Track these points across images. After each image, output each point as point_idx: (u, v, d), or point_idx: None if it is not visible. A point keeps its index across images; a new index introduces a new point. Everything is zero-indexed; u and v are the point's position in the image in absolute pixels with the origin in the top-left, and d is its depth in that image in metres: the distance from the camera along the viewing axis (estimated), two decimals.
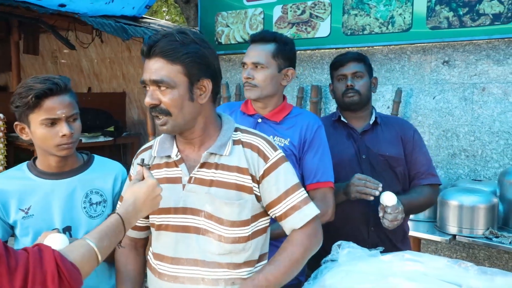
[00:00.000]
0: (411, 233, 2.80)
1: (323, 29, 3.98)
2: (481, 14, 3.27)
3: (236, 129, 1.42)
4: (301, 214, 1.38)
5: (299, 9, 4.09)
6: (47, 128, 1.50)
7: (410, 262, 1.38)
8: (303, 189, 1.43)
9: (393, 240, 2.03)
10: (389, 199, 1.79)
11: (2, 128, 4.31)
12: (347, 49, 3.95)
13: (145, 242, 1.55)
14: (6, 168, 4.51)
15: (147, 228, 1.49)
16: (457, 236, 2.74)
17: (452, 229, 2.75)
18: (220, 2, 4.60)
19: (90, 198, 1.64)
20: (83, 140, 4.79)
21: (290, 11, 4.14)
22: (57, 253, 0.97)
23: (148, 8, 5.47)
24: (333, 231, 1.76)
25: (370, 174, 1.91)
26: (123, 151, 5.51)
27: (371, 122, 2.09)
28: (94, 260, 1.07)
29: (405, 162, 2.05)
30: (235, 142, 1.39)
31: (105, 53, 5.99)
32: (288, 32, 4.14)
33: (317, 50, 4.15)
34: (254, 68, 1.83)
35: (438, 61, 3.62)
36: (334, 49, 4.03)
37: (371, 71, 2.15)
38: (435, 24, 3.46)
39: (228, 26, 4.56)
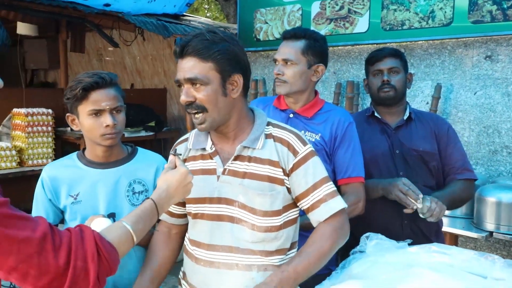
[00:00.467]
0: (448, 229, 2.80)
1: (361, 25, 3.98)
2: None
3: (268, 124, 1.48)
4: (327, 207, 1.42)
5: (337, 4, 4.11)
6: (93, 118, 1.63)
7: (437, 254, 1.41)
8: (331, 182, 1.47)
9: (427, 234, 2.04)
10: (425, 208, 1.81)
11: (51, 123, 4.55)
12: (385, 44, 3.94)
13: (180, 230, 1.62)
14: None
15: (183, 216, 1.58)
16: (494, 233, 2.71)
17: (490, 226, 2.73)
18: None
19: (133, 188, 1.74)
20: (126, 135, 4.98)
21: (329, 7, 4.16)
22: (96, 233, 1.06)
23: (188, 6, 5.62)
24: (366, 224, 1.80)
25: (404, 169, 1.94)
26: (163, 146, 5.68)
27: (405, 117, 2.11)
28: (130, 241, 1.15)
29: (439, 158, 2.05)
30: (267, 136, 1.45)
31: (147, 50, 6.19)
32: (326, 28, 4.16)
33: (355, 46, 4.15)
34: (284, 64, 1.89)
35: (480, 56, 3.56)
36: (372, 45, 4.02)
37: (407, 67, 2.17)
38: (477, 18, 3.41)
39: (266, 23, 4.63)
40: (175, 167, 1.36)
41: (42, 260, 0.95)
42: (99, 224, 1.43)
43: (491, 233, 2.71)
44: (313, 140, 1.87)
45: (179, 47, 1.36)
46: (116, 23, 4.46)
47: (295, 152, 1.43)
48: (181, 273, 1.60)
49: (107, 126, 1.63)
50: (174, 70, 5.90)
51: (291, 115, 1.93)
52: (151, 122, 5.35)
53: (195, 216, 1.48)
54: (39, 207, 1.72)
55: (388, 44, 3.91)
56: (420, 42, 3.79)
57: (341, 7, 4.09)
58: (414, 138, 2.05)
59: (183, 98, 1.37)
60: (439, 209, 1.81)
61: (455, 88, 3.69)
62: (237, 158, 1.43)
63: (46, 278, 0.96)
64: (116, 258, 1.08)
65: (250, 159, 1.42)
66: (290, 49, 1.89)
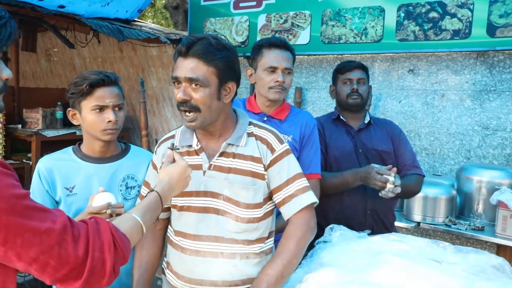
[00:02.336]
0: None
1: (303, 37, 4.05)
2: (443, 29, 3.41)
3: (250, 123, 1.48)
4: (297, 201, 1.42)
5: (282, 18, 4.15)
6: (96, 114, 1.57)
7: (396, 242, 1.46)
8: (304, 178, 1.47)
9: (386, 224, 2.13)
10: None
11: (1, 120, 4.19)
12: (324, 56, 4.04)
13: (163, 225, 1.57)
14: (4, 157, 4.39)
15: (167, 209, 1.52)
16: (421, 224, 2.87)
17: (417, 217, 2.88)
18: (208, 9, 4.61)
19: (127, 182, 1.69)
20: (78, 133, 4.71)
21: (274, 20, 4.19)
22: (111, 225, 1.00)
23: (140, 12, 5.41)
24: (334, 215, 1.83)
25: (365, 166, 1.99)
26: None
27: (366, 121, 2.19)
28: (140, 231, 1.10)
29: (394, 156, 2.14)
30: (249, 135, 1.45)
31: (97, 52, 5.88)
32: None
33: (297, 56, 4.20)
34: (285, 73, 1.86)
35: (404, 70, 3.76)
36: (313, 56, 4.11)
37: (369, 80, 2.26)
38: (403, 37, 3.59)
39: (215, 32, 4.57)
40: (173, 161, 1.31)
41: (62, 251, 0.88)
42: (103, 198, 1.37)
43: (418, 223, 2.87)
44: (286, 141, 1.87)
45: (184, 46, 1.31)
46: (71, 25, 4.20)
47: (272, 150, 1.43)
48: (164, 263, 1.54)
49: (109, 121, 1.58)
50: (124, 72, 5.67)
51: (265, 118, 1.92)
52: None
53: (181, 208, 1.44)
54: (37, 199, 1.58)
55: (326, 55, 4.03)
56: (354, 55, 3.92)
57: (285, 21, 4.14)
58: (374, 139, 2.14)
59: (180, 96, 1.33)
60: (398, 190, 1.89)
61: (383, 97, 3.87)
62: (222, 154, 1.42)
63: (65, 269, 0.89)
64: (130, 248, 1.03)
65: (234, 155, 1.41)
66: (288, 59, 1.88)
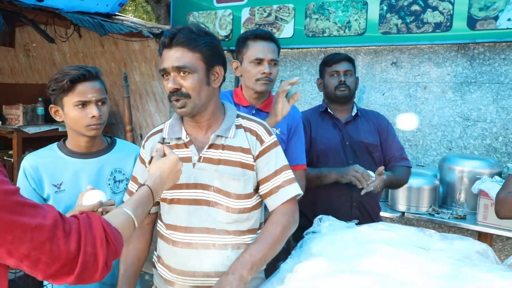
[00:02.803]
0: None
1: (287, 31, 4.06)
2: (425, 22, 3.46)
3: (238, 116, 1.49)
4: (284, 192, 1.44)
5: (265, 11, 4.15)
6: (79, 109, 1.56)
7: (383, 231, 1.49)
8: (290, 171, 1.49)
9: (371, 214, 2.17)
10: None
11: None
12: (308, 49, 4.06)
13: (151, 220, 1.57)
14: None
15: (156, 203, 1.52)
16: (405, 213, 2.92)
17: (402, 207, 2.93)
18: (191, 3, 4.58)
19: (114, 176, 1.69)
20: (60, 129, 4.64)
21: (257, 13, 4.19)
22: (103, 219, 0.99)
23: (121, 6, 5.33)
24: (322, 207, 1.85)
25: (352, 158, 2.02)
26: None
27: (353, 113, 2.21)
28: (131, 226, 1.10)
29: (381, 149, 2.18)
30: (238, 127, 1.46)
31: (78, 47, 5.78)
32: None
33: (281, 50, 4.21)
34: (271, 64, 1.86)
35: (388, 62, 3.80)
36: (297, 49, 4.12)
37: (356, 71, 2.27)
38: (386, 30, 3.63)
39: None
40: (164, 155, 1.30)
41: (54, 246, 0.87)
42: (94, 196, 1.36)
43: (403, 213, 2.93)
44: (274, 134, 1.88)
45: (167, 38, 1.33)
46: (51, 19, 4.11)
47: (261, 141, 1.45)
48: (155, 257, 1.54)
49: (93, 117, 1.56)
50: (106, 67, 5.59)
51: (254, 111, 1.92)
52: None
53: (171, 201, 1.44)
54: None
55: (310, 49, 4.04)
56: (337, 48, 3.95)
57: (269, 14, 4.14)
58: (361, 132, 2.16)
59: (170, 85, 1.34)
60: (381, 182, 1.93)
61: (366, 89, 3.91)
62: (211, 146, 1.43)
63: (57, 265, 0.88)
64: (122, 242, 1.03)
65: (223, 147, 1.42)
66: (273, 50, 1.87)
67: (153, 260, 1.55)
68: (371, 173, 1.92)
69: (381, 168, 1.90)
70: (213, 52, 1.37)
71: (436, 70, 3.61)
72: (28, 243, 0.84)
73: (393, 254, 1.27)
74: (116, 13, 5.43)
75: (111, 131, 5.49)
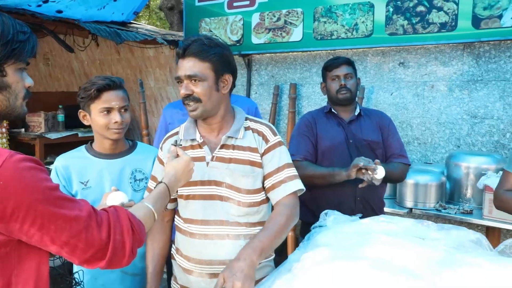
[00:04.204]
0: None
1: (296, 34, 4.17)
2: (430, 22, 3.54)
3: (246, 118, 1.63)
4: (286, 186, 1.57)
5: (275, 16, 4.27)
6: (104, 115, 1.73)
7: (384, 223, 1.60)
8: (293, 168, 1.62)
9: (375, 208, 2.28)
10: (381, 171, 2.01)
11: (5, 124, 4.31)
12: (317, 52, 4.17)
13: (171, 217, 1.71)
14: None
15: (173, 200, 1.66)
16: (413, 209, 3.01)
17: (409, 203, 3.02)
18: (203, 9, 4.72)
19: (135, 175, 1.85)
20: (80, 135, 4.83)
21: (267, 18, 4.31)
22: (128, 212, 1.13)
23: (135, 14, 5.52)
24: (326, 202, 1.97)
25: (356, 155, 2.13)
26: None
27: (356, 113, 2.32)
28: (152, 218, 1.24)
29: (383, 146, 2.28)
30: (246, 128, 1.60)
31: (95, 55, 5.99)
32: (265, 37, 4.32)
33: (291, 53, 4.35)
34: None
35: (395, 63, 3.89)
36: (306, 52, 4.23)
37: (356, 73, 2.38)
38: (392, 31, 3.72)
39: (211, 31, 4.68)
40: (177, 156, 1.44)
41: (88, 235, 1.01)
42: (116, 197, 1.49)
43: (410, 209, 3.01)
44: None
45: (181, 49, 1.48)
46: (70, 30, 4.31)
47: (267, 140, 1.59)
48: (173, 250, 1.68)
49: (116, 122, 1.73)
50: (122, 74, 5.78)
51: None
52: None
53: (187, 197, 1.58)
54: None
55: (319, 51, 4.15)
56: (346, 50, 4.05)
57: (278, 19, 4.26)
58: (364, 130, 2.27)
59: (183, 92, 1.49)
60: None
61: (375, 89, 4.00)
62: (223, 146, 1.56)
63: (92, 251, 1.02)
64: (144, 232, 1.16)
65: (234, 147, 1.56)
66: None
67: (172, 252, 1.69)
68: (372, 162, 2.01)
69: (377, 161, 2.00)
70: (222, 61, 1.51)
71: (442, 69, 3.69)
72: (67, 232, 0.98)
73: (391, 242, 1.37)
74: (131, 21, 5.61)
75: (128, 135, 5.67)
